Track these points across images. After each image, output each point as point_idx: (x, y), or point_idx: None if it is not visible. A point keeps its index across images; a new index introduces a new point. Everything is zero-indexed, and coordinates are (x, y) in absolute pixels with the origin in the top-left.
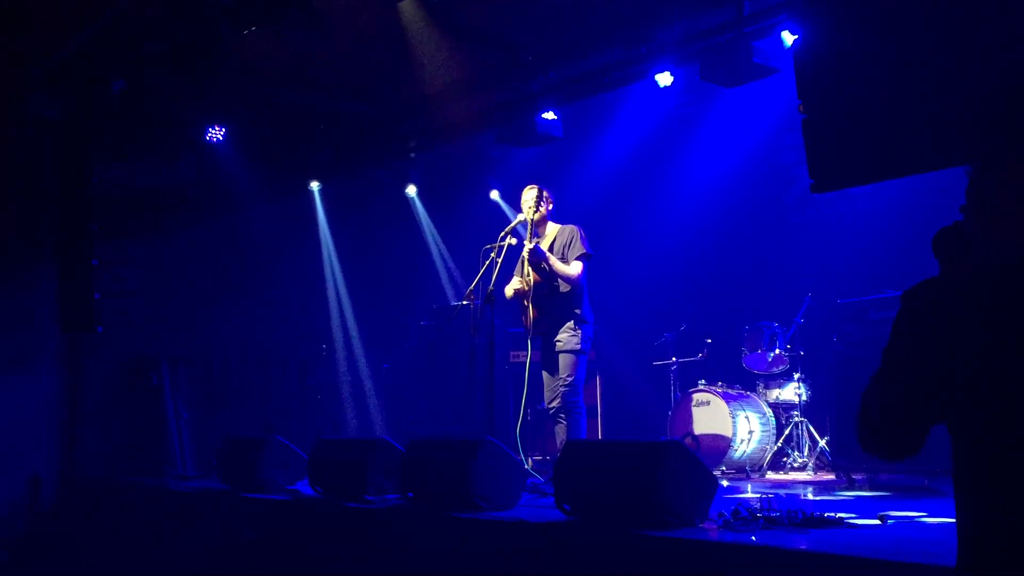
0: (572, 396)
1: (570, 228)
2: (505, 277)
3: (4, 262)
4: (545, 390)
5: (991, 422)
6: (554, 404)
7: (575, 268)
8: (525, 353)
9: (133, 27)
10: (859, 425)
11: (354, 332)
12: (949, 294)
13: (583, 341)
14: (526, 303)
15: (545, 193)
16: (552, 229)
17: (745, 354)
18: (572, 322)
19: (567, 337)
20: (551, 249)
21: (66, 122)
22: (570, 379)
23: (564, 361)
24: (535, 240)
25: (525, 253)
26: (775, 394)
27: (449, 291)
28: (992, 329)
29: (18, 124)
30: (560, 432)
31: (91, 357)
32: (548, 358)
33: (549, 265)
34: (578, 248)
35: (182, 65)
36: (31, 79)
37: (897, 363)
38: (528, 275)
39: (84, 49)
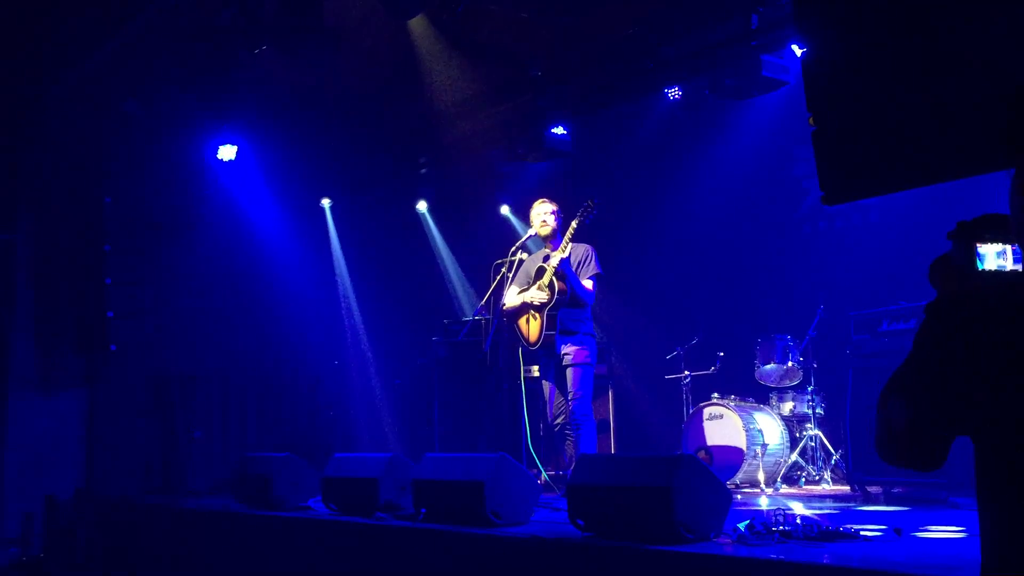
0: (582, 409)
1: (585, 247)
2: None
3: (21, 282)
4: (550, 405)
5: (1019, 433)
6: (560, 419)
7: (588, 285)
8: (536, 368)
9: (146, 48)
10: (880, 438)
11: (366, 348)
12: (978, 306)
13: (591, 355)
14: (536, 316)
15: (556, 207)
16: (566, 242)
17: (758, 367)
18: (582, 335)
19: (577, 350)
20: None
21: (80, 143)
22: (580, 392)
23: (574, 374)
24: (562, 252)
25: (553, 262)
26: (788, 407)
27: (461, 306)
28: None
29: (33, 145)
30: (569, 447)
31: (106, 376)
32: (555, 373)
33: (572, 279)
34: (592, 268)
35: (194, 85)
36: (45, 100)
37: (923, 376)
38: (555, 285)
39: (97, 70)
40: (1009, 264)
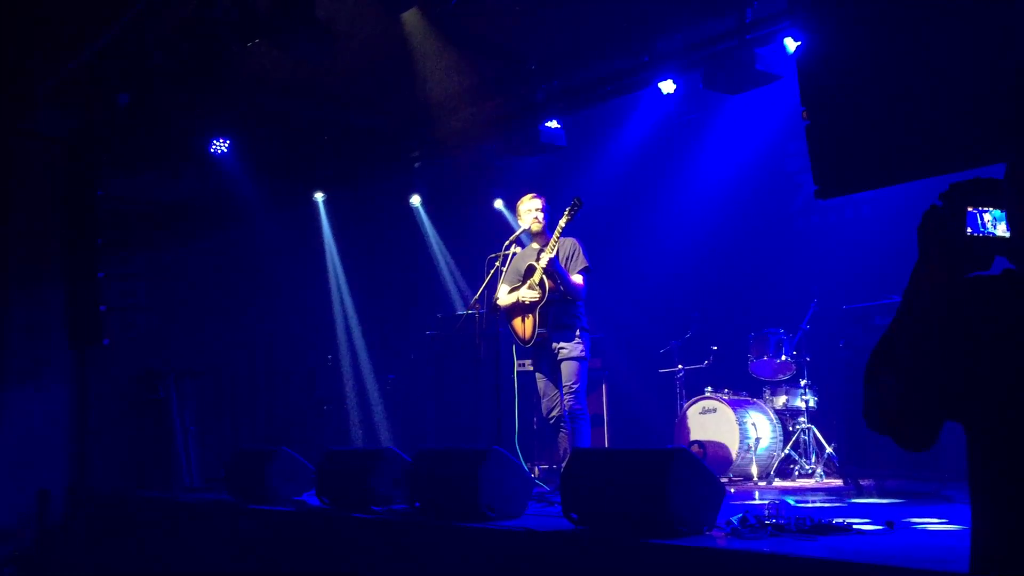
0: (577, 403)
1: (571, 241)
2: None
3: (12, 277)
4: (543, 399)
5: (1015, 424)
6: (554, 413)
7: (578, 280)
8: (530, 362)
9: (138, 41)
10: (869, 408)
11: (360, 342)
12: (983, 294)
13: (585, 349)
14: (528, 314)
15: (543, 202)
16: (554, 241)
17: (751, 361)
18: (576, 330)
19: (572, 345)
20: (535, 271)
21: (72, 137)
22: (575, 386)
23: (569, 368)
24: (551, 251)
25: (542, 263)
26: (782, 401)
27: (454, 300)
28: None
29: (24, 139)
30: (563, 440)
31: (99, 370)
32: (549, 367)
33: (563, 277)
34: (581, 262)
35: (187, 78)
36: (37, 95)
37: (915, 354)
38: (545, 284)
39: (89, 64)
40: (999, 230)
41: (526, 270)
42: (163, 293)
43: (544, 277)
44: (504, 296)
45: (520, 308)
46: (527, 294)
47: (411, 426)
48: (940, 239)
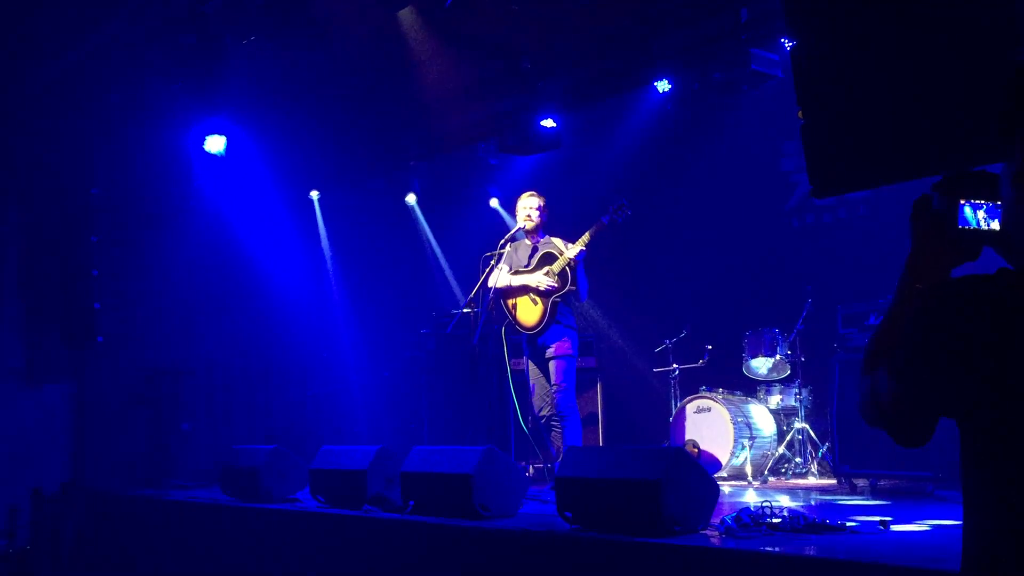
0: (568, 401)
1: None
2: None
3: (8, 273)
4: (536, 397)
5: (1011, 422)
6: (545, 411)
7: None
8: (524, 360)
9: (133, 37)
10: (865, 403)
11: (355, 340)
12: (977, 292)
13: (573, 346)
14: (537, 300)
15: (542, 202)
16: (554, 241)
17: (746, 360)
18: (564, 327)
19: (559, 344)
20: (554, 259)
21: (66, 133)
22: (565, 384)
23: (559, 366)
24: (582, 244)
25: (573, 252)
26: (776, 400)
27: (449, 299)
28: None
29: (19, 136)
30: (557, 439)
31: (94, 369)
32: (540, 363)
33: (581, 275)
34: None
35: (182, 75)
36: (31, 90)
37: (911, 352)
38: (567, 275)
39: (84, 60)
40: (992, 227)
41: (543, 256)
42: (158, 290)
43: (567, 268)
44: (505, 275)
45: (522, 293)
46: (543, 280)
47: (406, 424)
48: (931, 229)
